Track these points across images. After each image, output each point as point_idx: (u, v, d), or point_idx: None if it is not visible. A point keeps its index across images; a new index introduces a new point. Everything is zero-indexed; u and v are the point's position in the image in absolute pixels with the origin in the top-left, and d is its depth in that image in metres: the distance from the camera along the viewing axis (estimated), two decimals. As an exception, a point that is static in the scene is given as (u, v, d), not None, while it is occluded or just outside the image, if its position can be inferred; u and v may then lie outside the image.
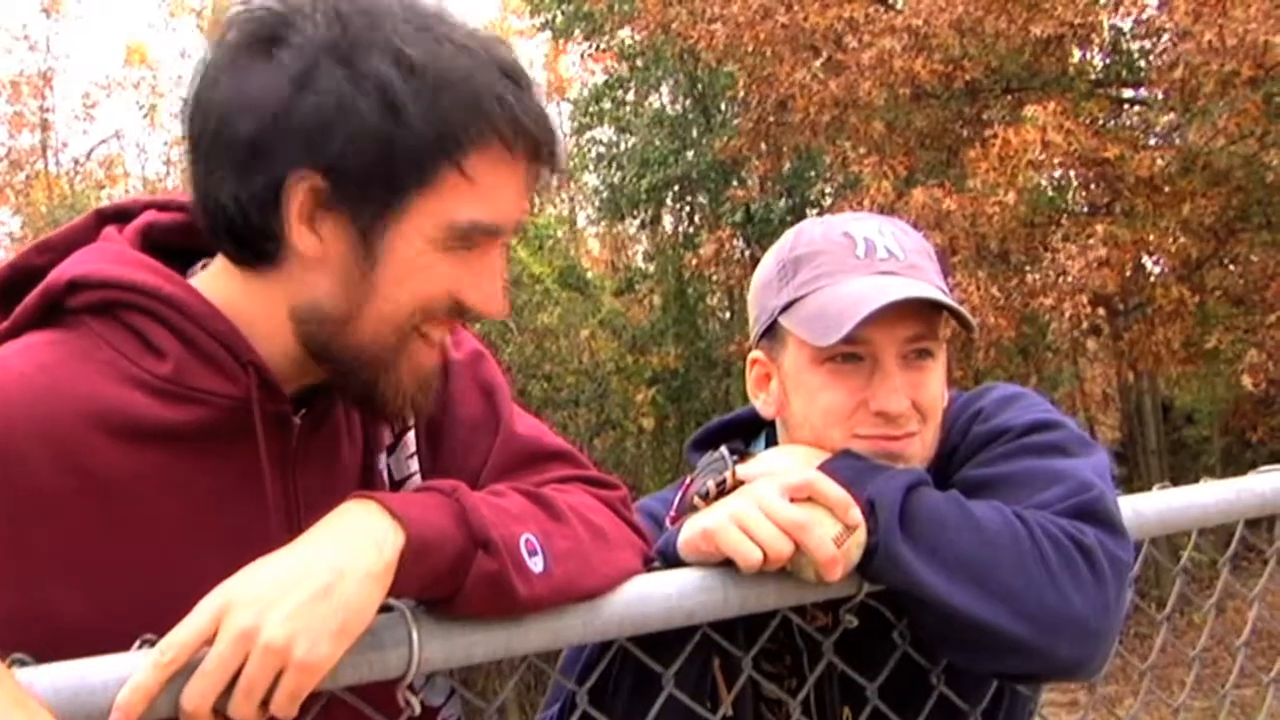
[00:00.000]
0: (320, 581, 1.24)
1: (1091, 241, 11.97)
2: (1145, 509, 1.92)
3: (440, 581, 1.33)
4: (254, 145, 1.37)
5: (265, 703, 1.22)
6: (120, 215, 1.57)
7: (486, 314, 1.47)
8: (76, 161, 29.46)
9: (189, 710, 1.19)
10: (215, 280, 1.48)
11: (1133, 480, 15.16)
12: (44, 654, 1.19)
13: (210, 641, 1.20)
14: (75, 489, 1.35)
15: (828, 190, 18.11)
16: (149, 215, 1.55)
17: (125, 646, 1.22)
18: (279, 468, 1.48)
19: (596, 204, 22.34)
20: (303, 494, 1.50)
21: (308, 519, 1.44)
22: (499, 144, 1.40)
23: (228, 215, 1.41)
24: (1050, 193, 14.52)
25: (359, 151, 1.36)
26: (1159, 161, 12.53)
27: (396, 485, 1.62)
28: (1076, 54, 14.58)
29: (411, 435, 1.65)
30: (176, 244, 1.52)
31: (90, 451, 1.37)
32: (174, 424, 1.41)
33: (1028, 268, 13.63)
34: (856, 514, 1.56)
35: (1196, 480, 2.14)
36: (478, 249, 1.44)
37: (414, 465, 1.64)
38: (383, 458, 1.62)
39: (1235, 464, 16.08)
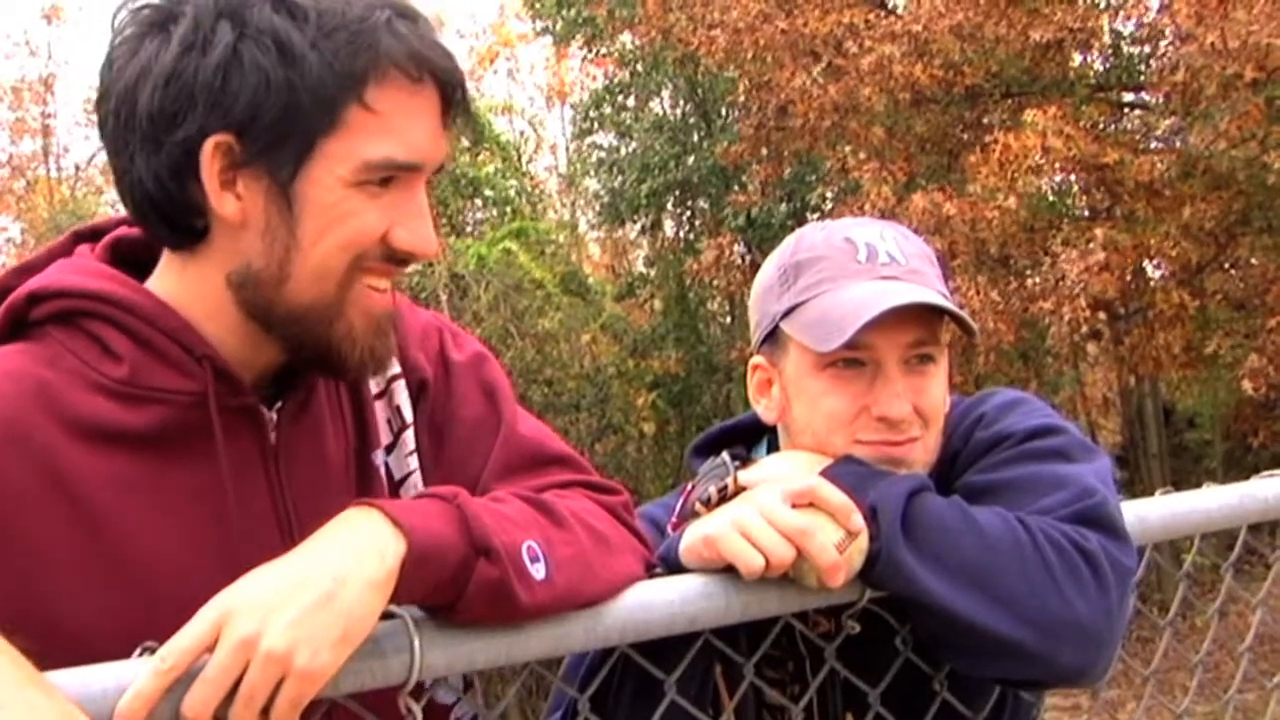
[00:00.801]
0: (322, 589, 1.24)
1: (1091, 246, 11.96)
2: (1148, 514, 1.92)
3: (442, 589, 1.32)
4: (157, 115, 1.39)
5: (266, 710, 1.21)
6: (94, 235, 1.59)
7: (419, 254, 1.48)
8: (78, 167, 29.48)
9: (190, 718, 1.18)
10: (163, 278, 1.50)
11: (1134, 485, 15.16)
12: (32, 658, 1.18)
13: (211, 649, 1.19)
14: (50, 495, 1.36)
15: (828, 195, 18.09)
16: (119, 231, 1.57)
17: (110, 650, 1.21)
18: (259, 464, 1.48)
19: (597, 209, 22.33)
20: (292, 488, 1.50)
21: (298, 513, 1.46)
22: (397, 73, 1.42)
23: (148, 194, 1.42)
24: (1050, 198, 14.52)
25: (263, 104, 1.37)
26: (1159, 166, 12.52)
27: (396, 484, 1.62)
28: (1077, 58, 14.58)
29: (410, 433, 1.64)
30: (144, 256, 1.53)
31: (63, 457, 1.38)
32: (138, 427, 1.42)
33: (1028, 272, 13.63)
34: (859, 520, 1.56)
35: (1198, 484, 2.13)
36: (398, 187, 1.45)
37: (413, 463, 1.64)
38: (380, 454, 1.62)
39: (1237, 468, 16.07)
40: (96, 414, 1.41)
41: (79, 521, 1.37)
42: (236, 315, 1.47)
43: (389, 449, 1.63)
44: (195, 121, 1.38)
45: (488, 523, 1.36)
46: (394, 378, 1.65)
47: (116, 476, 1.40)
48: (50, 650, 1.19)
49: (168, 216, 1.44)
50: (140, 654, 1.21)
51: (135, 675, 1.18)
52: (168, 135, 1.39)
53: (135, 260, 1.53)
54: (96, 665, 1.19)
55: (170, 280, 1.49)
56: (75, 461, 1.38)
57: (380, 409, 1.64)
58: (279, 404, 1.52)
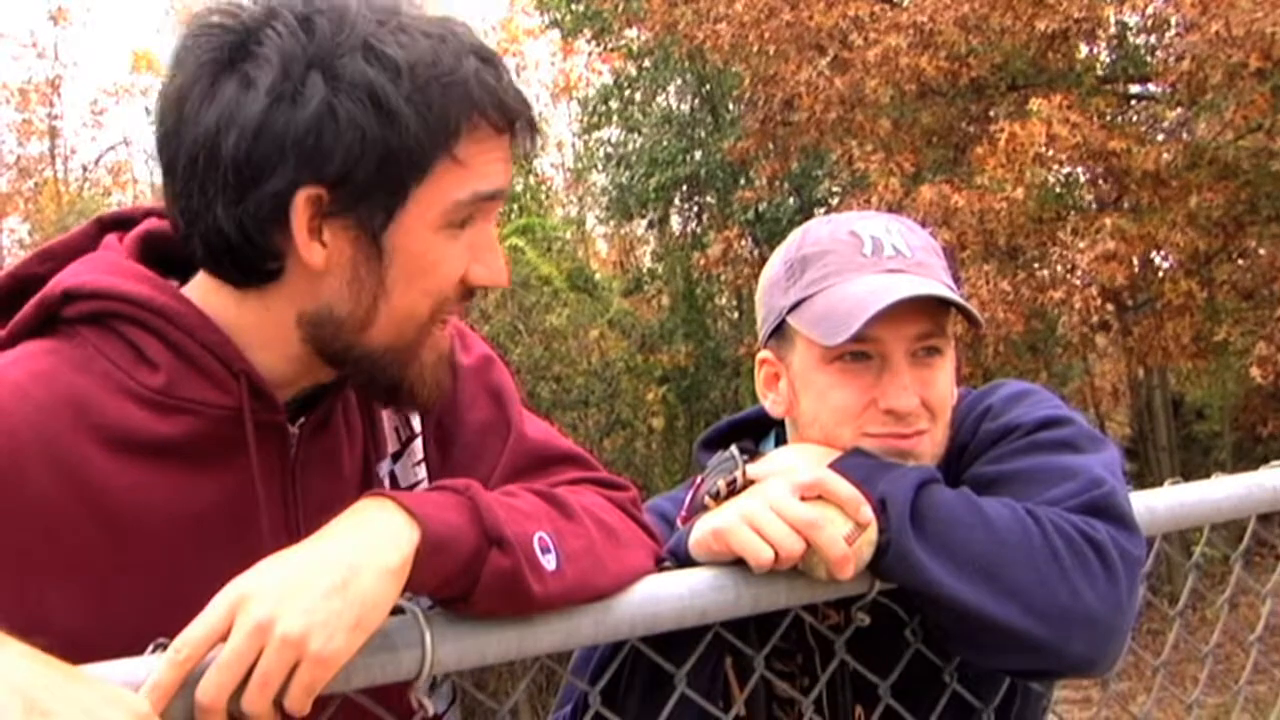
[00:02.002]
0: (337, 576, 1.24)
1: (1100, 235, 11.95)
2: (1157, 505, 1.92)
3: (455, 579, 1.33)
4: (245, 166, 1.36)
5: (278, 702, 1.22)
6: (121, 223, 1.57)
7: (494, 286, 1.50)
8: (85, 168, 29.52)
9: (205, 704, 1.18)
10: (209, 293, 1.47)
11: (1144, 476, 15.14)
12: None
13: (225, 638, 1.20)
14: (74, 500, 1.35)
15: (835, 189, 18.08)
16: (149, 223, 1.55)
17: (125, 655, 1.21)
18: (279, 477, 1.48)
19: (605, 204, 22.33)
20: (305, 502, 1.50)
21: (309, 528, 1.45)
22: (485, 125, 1.42)
23: (226, 239, 1.40)
24: (1058, 189, 14.50)
25: (358, 159, 1.36)
26: (1165, 156, 12.50)
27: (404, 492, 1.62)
28: (1082, 50, 14.55)
29: (419, 443, 1.65)
30: (177, 252, 1.51)
31: (88, 463, 1.37)
32: (168, 436, 1.41)
33: (1036, 263, 13.62)
34: (868, 512, 1.56)
35: (1207, 475, 2.13)
36: (475, 224, 1.46)
37: (421, 472, 1.65)
38: (385, 465, 1.63)
39: (1246, 459, 16.03)
40: (127, 422, 1.39)
41: (105, 531, 1.37)
42: (299, 348, 1.46)
43: (395, 456, 1.64)
44: (286, 175, 1.36)
45: (500, 514, 1.36)
46: None
47: (143, 485, 1.39)
48: (71, 659, 1.19)
49: (244, 261, 1.42)
50: (153, 650, 1.21)
51: (151, 669, 1.18)
52: (255, 187, 1.36)
53: (166, 256, 1.51)
54: (113, 661, 1.19)
55: (219, 300, 1.46)
56: (103, 470, 1.37)
57: (387, 416, 1.65)
58: (300, 419, 1.52)
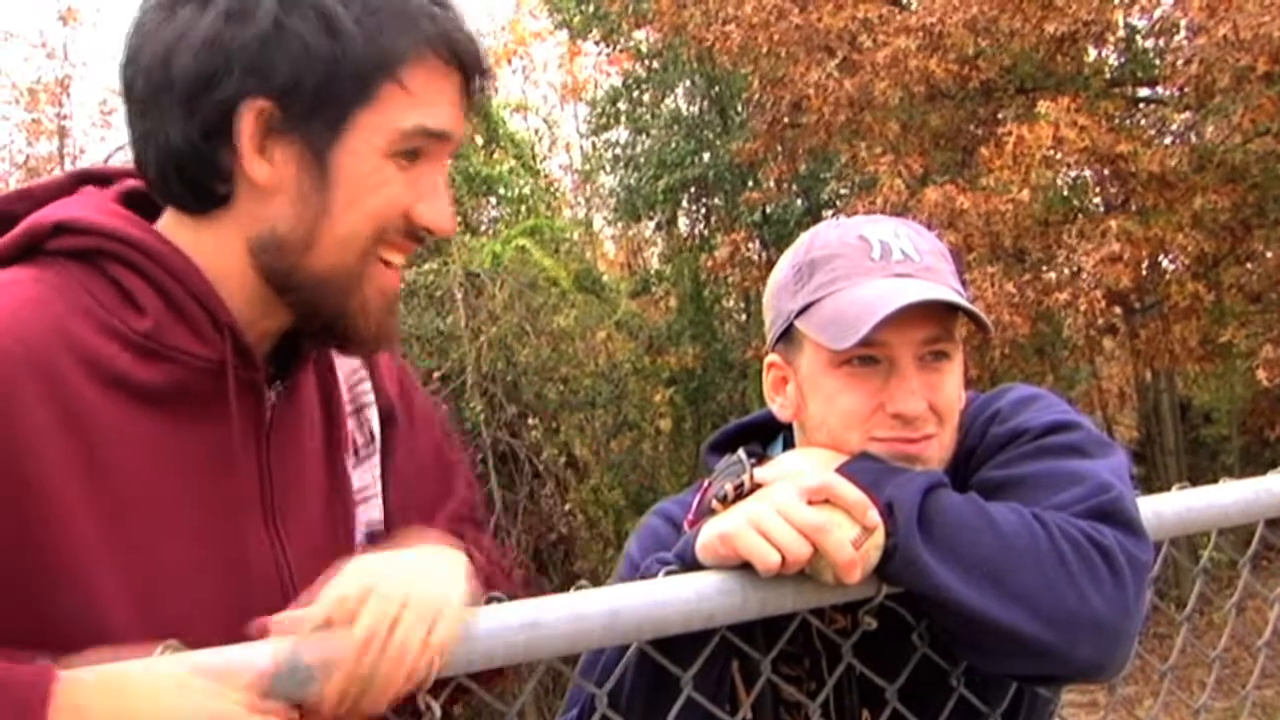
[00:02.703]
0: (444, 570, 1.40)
1: (1105, 238, 11.94)
2: (1164, 509, 1.92)
3: None
4: (196, 79, 1.41)
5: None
6: (100, 179, 1.59)
7: (439, 231, 1.51)
8: (94, 168, 29.47)
9: (362, 637, 1.26)
10: (176, 231, 1.49)
11: (1151, 480, 15.11)
12: (30, 590, 1.26)
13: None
14: (61, 425, 1.35)
15: (843, 190, 18.06)
16: (130, 182, 1.57)
17: (105, 587, 1.29)
18: (254, 439, 1.50)
19: (612, 205, 22.33)
20: (275, 471, 1.52)
21: (280, 497, 1.50)
22: (433, 56, 1.46)
23: (176, 154, 1.43)
24: (1065, 192, 14.48)
25: (304, 74, 1.40)
26: (1171, 160, 12.49)
27: (358, 494, 1.67)
28: (1091, 53, 14.54)
29: (377, 456, 1.70)
30: (151, 213, 1.52)
31: (75, 392, 1.37)
32: (149, 382, 1.42)
33: (1043, 266, 13.60)
34: (875, 516, 1.56)
35: (1215, 479, 2.13)
36: (424, 162, 1.49)
37: (374, 482, 1.70)
38: (350, 460, 1.66)
39: (1254, 463, 16.02)
40: (113, 361, 1.40)
41: (86, 462, 1.36)
42: (252, 279, 1.48)
43: (355, 463, 1.68)
44: (232, 85, 1.40)
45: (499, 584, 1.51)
46: (366, 405, 1.71)
47: (125, 425, 1.39)
48: (46, 583, 1.25)
49: (193, 179, 1.45)
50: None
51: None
52: (204, 97, 1.40)
53: (153, 214, 1.52)
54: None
55: (183, 237, 1.48)
56: (90, 402, 1.37)
57: (350, 424, 1.68)
58: (278, 384, 1.54)
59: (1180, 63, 12.42)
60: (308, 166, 1.44)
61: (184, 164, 1.44)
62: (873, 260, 1.77)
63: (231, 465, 1.46)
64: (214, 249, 1.47)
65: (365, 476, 1.68)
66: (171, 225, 1.50)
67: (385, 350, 1.65)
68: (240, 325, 1.47)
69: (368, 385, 1.71)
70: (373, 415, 1.70)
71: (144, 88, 1.44)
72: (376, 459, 1.69)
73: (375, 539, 1.63)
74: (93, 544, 1.35)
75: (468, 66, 1.50)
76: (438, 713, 1.34)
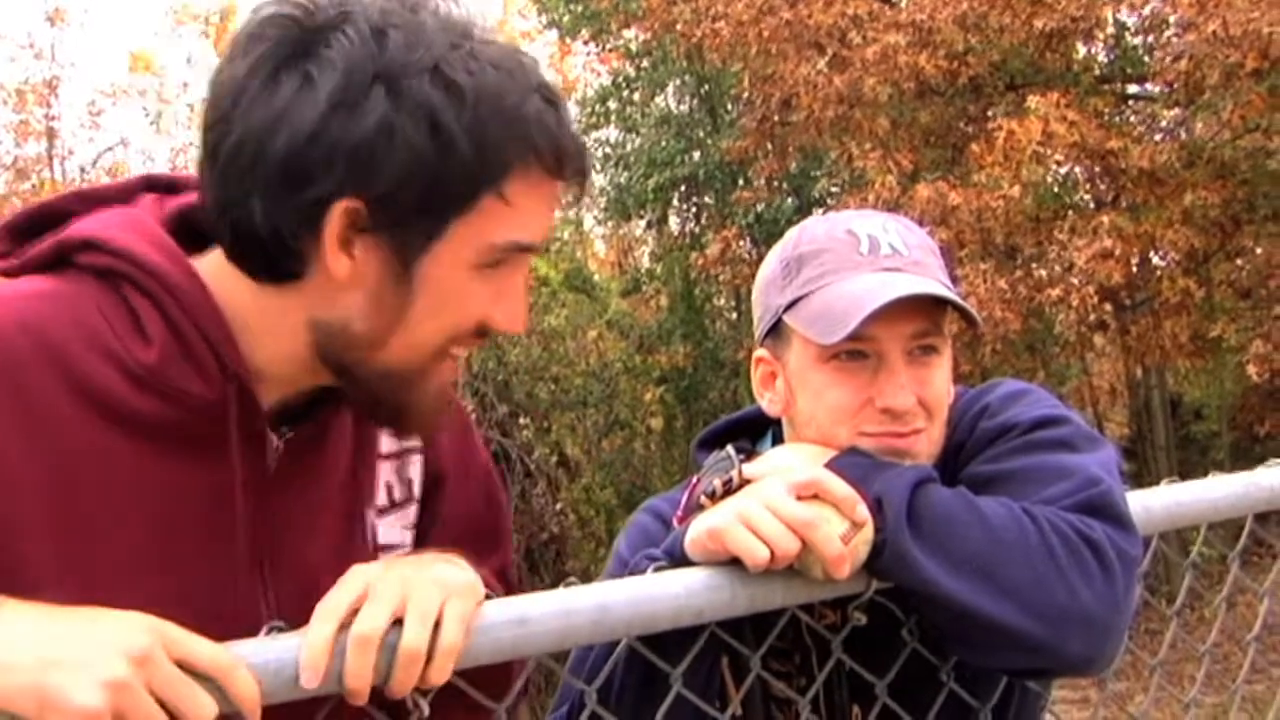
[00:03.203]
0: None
1: (1097, 234, 11.95)
2: (1154, 504, 1.92)
3: None
4: (291, 168, 1.34)
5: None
6: (166, 186, 1.55)
7: (510, 332, 1.47)
8: (83, 169, 29.37)
9: (363, 634, 1.24)
10: (225, 273, 1.44)
11: (1142, 476, 15.12)
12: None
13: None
14: (22, 433, 1.33)
15: (833, 188, 18.07)
16: (192, 196, 1.51)
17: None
18: (253, 485, 1.46)
19: (603, 204, 22.31)
20: (275, 514, 1.49)
21: (277, 545, 1.47)
22: (539, 168, 1.40)
23: (257, 234, 1.38)
24: (1055, 189, 14.50)
25: (407, 180, 1.34)
26: (1161, 157, 12.50)
27: (378, 547, 1.64)
28: (1080, 50, 14.55)
29: (414, 509, 1.67)
30: (208, 230, 1.47)
31: (47, 405, 1.34)
32: (141, 412, 1.39)
33: (1034, 262, 13.61)
34: (864, 511, 1.56)
35: (1205, 475, 2.13)
36: (507, 267, 1.44)
37: (408, 538, 1.67)
38: (371, 514, 1.63)
39: (1244, 459, 16.00)
40: (108, 387, 1.37)
41: (50, 474, 1.34)
42: (304, 351, 1.45)
43: (381, 511, 1.64)
44: (331, 183, 1.34)
45: None
46: (412, 449, 1.66)
47: (103, 447, 1.37)
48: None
49: (268, 257, 1.40)
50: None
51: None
52: (298, 191, 1.34)
53: (202, 232, 1.47)
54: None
55: (234, 285, 1.43)
56: (65, 417, 1.35)
57: (386, 470, 1.65)
58: (285, 430, 1.51)
59: (1169, 59, 12.43)
60: (391, 269, 1.39)
61: (262, 244, 1.38)
62: (861, 255, 1.77)
63: (220, 506, 1.44)
64: (271, 314, 1.44)
65: (394, 529, 1.65)
66: (226, 266, 1.44)
67: (431, 434, 1.61)
68: (260, 365, 1.44)
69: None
70: (416, 463, 1.67)
71: (232, 158, 1.36)
72: (412, 511, 1.67)
73: None
74: (44, 558, 1.33)
75: (571, 174, 1.45)
76: (425, 711, 1.33)
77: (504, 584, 1.65)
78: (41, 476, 1.33)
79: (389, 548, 1.64)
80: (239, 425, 1.43)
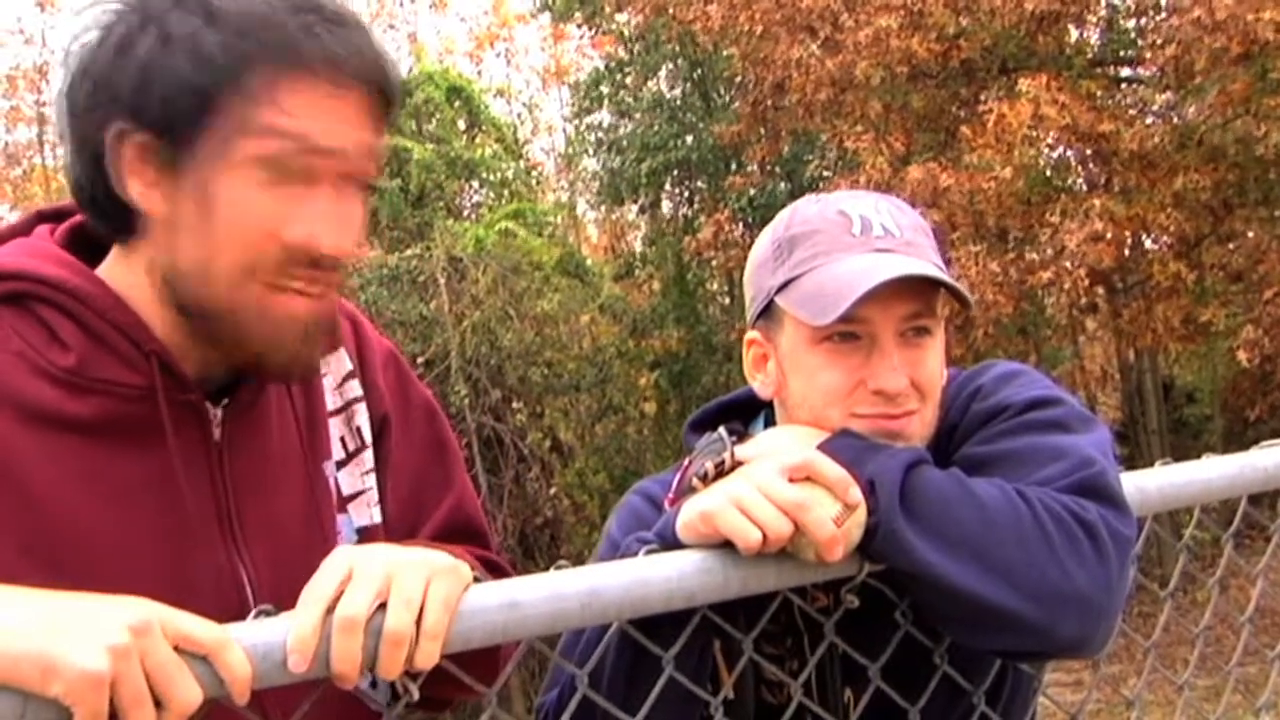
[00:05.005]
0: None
1: (1089, 216, 11.97)
2: (1147, 485, 1.91)
3: None
4: (83, 112, 1.44)
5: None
6: (58, 216, 1.61)
7: (329, 253, 1.47)
8: (73, 154, 29.30)
9: (348, 615, 1.23)
10: (110, 267, 1.52)
11: (1135, 460, 15.16)
12: None
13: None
14: None
15: (825, 171, 18.07)
16: (82, 216, 1.58)
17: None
18: (203, 457, 1.51)
19: (596, 189, 22.31)
20: (235, 485, 1.53)
21: (239, 509, 1.51)
22: (308, 75, 1.43)
23: (82, 188, 1.47)
24: (1047, 173, 14.50)
25: (176, 105, 1.40)
26: (1153, 139, 12.51)
27: (344, 499, 1.67)
28: (1073, 33, 14.55)
29: (369, 455, 1.70)
30: (106, 243, 1.55)
31: (3, 437, 1.39)
32: (81, 415, 1.44)
33: (1026, 245, 13.63)
34: (856, 493, 1.54)
35: (1198, 459, 2.12)
36: (301, 180, 1.45)
37: (370, 481, 1.69)
38: (330, 466, 1.66)
39: (1236, 442, 16.05)
40: (40, 399, 1.42)
41: (15, 501, 1.38)
42: (166, 308, 1.49)
43: (340, 464, 1.67)
44: (100, 115, 1.42)
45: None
46: (356, 400, 1.70)
47: (57, 461, 1.41)
48: None
49: (98, 208, 1.48)
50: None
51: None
52: (91, 131, 1.43)
53: (99, 247, 1.54)
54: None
55: (115, 270, 1.51)
56: (14, 443, 1.39)
57: (336, 425, 1.68)
58: (225, 401, 1.54)
59: (1159, 43, 12.44)
60: (194, 197, 1.43)
61: (85, 193, 1.47)
62: (853, 235, 1.75)
63: (175, 487, 1.47)
64: (134, 279, 1.49)
65: (355, 478, 1.68)
66: (110, 260, 1.53)
67: (305, 380, 1.63)
68: (174, 352, 1.48)
69: (356, 382, 1.70)
70: (361, 412, 1.70)
71: (56, 120, 1.49)
72: (368, 457, 1.69)
73: (368, 539, 1.63)
74: (15, 576, 1.33)
75: (366, 84, 1.47)
76: (415, 695, 1.33)
77: (472, 540, 1.71)
78: (5, 505, 1.38)
79: (354, 496, 1.67)
80: (166, 396, 1.47)
